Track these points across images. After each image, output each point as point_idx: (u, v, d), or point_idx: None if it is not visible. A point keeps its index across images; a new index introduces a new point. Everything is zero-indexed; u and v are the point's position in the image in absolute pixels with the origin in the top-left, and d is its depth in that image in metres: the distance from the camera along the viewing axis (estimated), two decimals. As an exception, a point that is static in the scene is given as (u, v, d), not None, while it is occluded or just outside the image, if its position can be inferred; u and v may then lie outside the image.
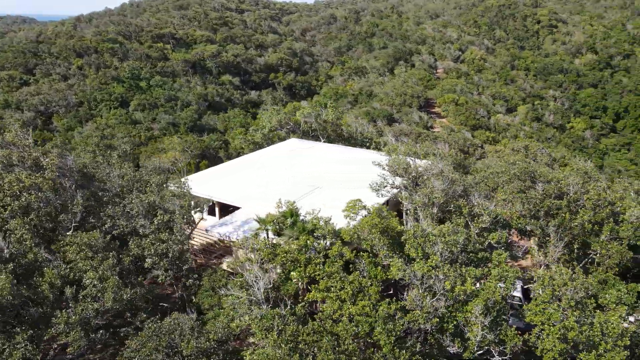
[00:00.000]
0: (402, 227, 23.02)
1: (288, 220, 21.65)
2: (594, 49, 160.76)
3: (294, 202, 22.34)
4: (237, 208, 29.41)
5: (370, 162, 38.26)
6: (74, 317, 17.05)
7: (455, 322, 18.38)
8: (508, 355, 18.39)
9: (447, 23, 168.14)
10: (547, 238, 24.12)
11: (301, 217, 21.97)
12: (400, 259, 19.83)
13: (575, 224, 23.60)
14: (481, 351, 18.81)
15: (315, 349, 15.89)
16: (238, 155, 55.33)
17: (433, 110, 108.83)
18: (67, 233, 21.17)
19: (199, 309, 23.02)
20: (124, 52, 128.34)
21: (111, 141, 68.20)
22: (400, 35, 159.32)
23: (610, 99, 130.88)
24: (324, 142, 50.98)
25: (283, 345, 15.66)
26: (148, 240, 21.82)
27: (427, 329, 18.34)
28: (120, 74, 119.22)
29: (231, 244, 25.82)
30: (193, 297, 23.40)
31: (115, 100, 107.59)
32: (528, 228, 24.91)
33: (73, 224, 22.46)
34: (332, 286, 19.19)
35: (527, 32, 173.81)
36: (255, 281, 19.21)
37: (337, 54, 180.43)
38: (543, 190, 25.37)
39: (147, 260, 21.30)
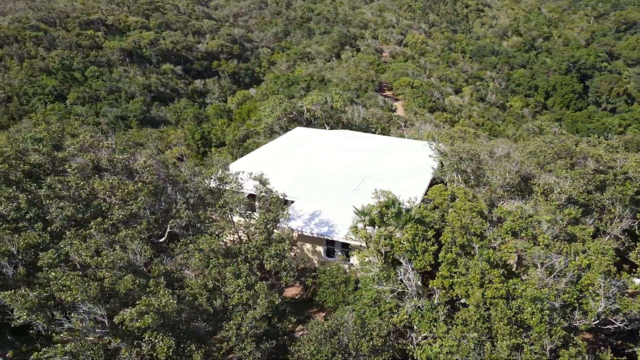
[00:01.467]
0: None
1: (391, 210, 20.84)
2: (518, 32, 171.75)
3: (390, 191, 21.53)
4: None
5: (400, 148, 37.98)
6: (243, 328, 15.19)
7: (576, 296, 18.91)
8: (626, 322, 19.27)
9: (383, 7, 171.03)
10: (608, 211, 25.51)
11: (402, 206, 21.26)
12: (513, 241, 19.94)
13: (629, 194, 25.23)
14: (597, 321, 19.53)
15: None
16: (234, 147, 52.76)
17: (385, 93, 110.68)
18: (181, 240, 18.70)
19: (321, 307, 21.88)
20: (49, 40, 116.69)
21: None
22: (342, 20, 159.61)
23: (538, 79, 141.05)
24: (328, 129, 49.96)
25: (469, 335, 15.15)
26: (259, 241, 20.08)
27: (555, 306, 18.67)
28: (49, 65, 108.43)
29: (325, 237, 24.28)
30: (314, 296, 21.92)
31: (49, 93, 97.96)
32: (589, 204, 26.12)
33: (180, 230, 20.07)
34: (455, 272, 18.87)
35: (457, 16, 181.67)
36: (403, 273, 18.32)
37: (276, 39, 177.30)
38: (594, 166, 26.77)
39: (265, 262, 19.45)
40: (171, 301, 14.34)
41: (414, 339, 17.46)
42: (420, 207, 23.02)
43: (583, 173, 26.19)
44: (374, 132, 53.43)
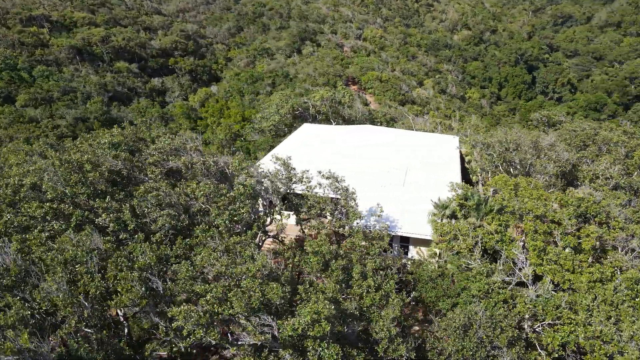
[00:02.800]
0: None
1: (470, 201, 20.68)
2: (467, 26, 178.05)
3: (464, 184, 21.38)
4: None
5: (421, 140, 38.02)
6: (385, 328, 14.37)
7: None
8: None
9: (338, 2, 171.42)
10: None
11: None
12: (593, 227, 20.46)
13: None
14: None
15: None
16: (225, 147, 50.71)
17: (353, 88, 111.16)
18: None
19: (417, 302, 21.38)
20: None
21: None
22: (297, 15, 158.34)
23: (490, 70, 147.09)
24: (334, 125, 49.01)
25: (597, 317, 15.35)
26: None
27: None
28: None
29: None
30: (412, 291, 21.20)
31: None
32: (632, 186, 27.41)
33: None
34: (544, 259, 19.10)
35: (408, 10, 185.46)
36: (516, 262, 18.16)
37: (230, 35, 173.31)
38: (625, 150, 28.12)
39: (368, 262, 18.70)
40: (328, 306, 13.39)
41: (529, 327, 17.49)
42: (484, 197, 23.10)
43: (617, 158, 27.46)
44: (380, 126, 53.38)
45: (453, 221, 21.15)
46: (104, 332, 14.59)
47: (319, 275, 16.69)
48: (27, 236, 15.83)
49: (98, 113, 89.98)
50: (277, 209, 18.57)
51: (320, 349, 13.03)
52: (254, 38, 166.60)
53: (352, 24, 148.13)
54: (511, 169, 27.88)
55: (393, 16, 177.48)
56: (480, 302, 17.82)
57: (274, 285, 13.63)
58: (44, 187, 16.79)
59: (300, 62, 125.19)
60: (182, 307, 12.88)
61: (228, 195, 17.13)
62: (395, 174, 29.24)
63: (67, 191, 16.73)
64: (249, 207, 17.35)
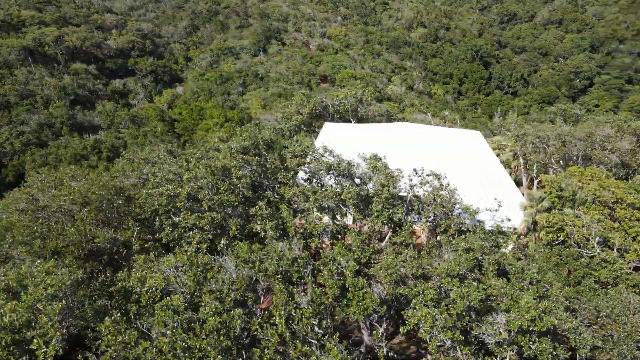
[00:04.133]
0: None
1: (566, 193, 21.09)
2: (423, 24, 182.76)
3: (557, 177, 21.85)
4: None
5: (454, 136, 38.33)
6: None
7: None
8: None
9: (297, 0, 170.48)
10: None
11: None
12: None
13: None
14: None
15: None
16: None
17: (323, 85, 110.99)
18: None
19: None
20: None
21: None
22: (258, 13, 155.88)
23: (450, 67, 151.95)
24: (354, 122, 48.36)
25: None
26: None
27: None
28: None
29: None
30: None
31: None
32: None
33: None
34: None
35: (365, 8, 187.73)
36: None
37: (186, 34, 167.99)
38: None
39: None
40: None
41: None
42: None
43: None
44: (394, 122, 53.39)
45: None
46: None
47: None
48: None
49: (64, 118, 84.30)
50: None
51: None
52: (212, 37, 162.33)
53: (316, 22, 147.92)
54: (561, 162, 28.97)
55: (351, 14, 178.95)
56: (606, 289, 18.28)
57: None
58: (200, 196, 15.33)
59: (268, 61, 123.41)
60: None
61: (383, 196, 16.49)
62: (467, 171, 29.33)
63: (215, 199, 15.43)
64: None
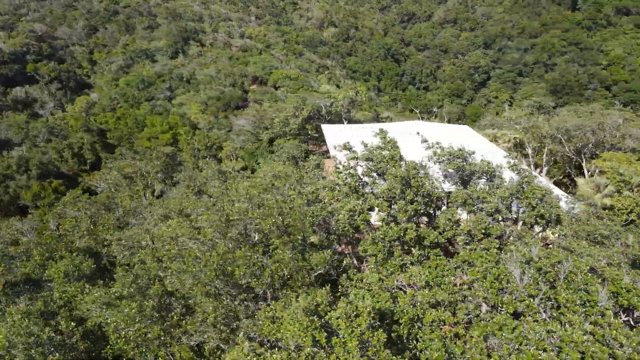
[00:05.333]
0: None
1: (626, 178, 22.91)
2: (333, 23, 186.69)
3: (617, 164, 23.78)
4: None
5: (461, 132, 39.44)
6: None
7: None
8: None
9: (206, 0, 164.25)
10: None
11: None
12: None
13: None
14: None
15: None
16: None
17: (252, 87, 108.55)
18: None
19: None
20: None
21: None
22: (169, 13, 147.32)
23: (367, 65, 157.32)
24: (346, 124, 47.16)
25: None
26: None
27: None
28: None
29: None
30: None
31: None
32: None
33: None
34: None
35: (276, 8, 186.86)
36: None
37: (86, 36, 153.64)
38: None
39: None
40: None
41: None
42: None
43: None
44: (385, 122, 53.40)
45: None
46: None
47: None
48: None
49: (-30, 134, 72.72)
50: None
51: None
52: (116, 39, 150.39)
53: (233, 22, 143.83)
54: (570, 150, 31.69)
55: (263, 14, 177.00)
56: None
57: None
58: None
59: (190, 63, 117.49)
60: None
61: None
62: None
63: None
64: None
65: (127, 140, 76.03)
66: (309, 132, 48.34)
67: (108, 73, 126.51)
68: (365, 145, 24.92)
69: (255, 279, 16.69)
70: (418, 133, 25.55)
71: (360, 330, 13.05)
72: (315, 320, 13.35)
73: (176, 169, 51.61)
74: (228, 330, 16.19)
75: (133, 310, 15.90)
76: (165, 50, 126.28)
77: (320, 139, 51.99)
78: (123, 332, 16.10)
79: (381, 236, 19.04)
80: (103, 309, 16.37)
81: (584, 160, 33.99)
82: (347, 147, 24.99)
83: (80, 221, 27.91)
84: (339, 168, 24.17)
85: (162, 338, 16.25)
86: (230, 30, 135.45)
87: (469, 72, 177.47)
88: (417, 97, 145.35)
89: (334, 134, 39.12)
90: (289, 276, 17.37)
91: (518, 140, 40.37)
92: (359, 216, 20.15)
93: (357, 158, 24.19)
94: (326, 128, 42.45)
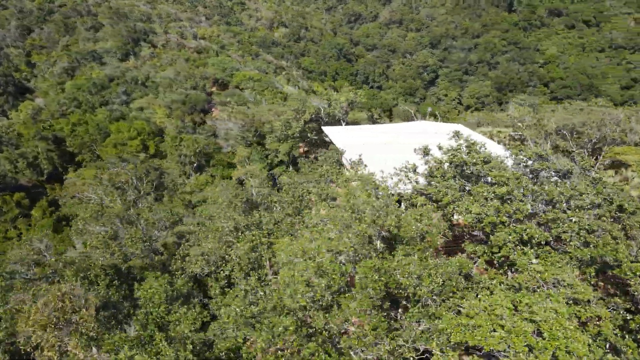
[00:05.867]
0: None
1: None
2: (284, 24, 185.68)
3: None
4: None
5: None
6: None
7: None
8: None
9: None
10: None
11: None
12: None
13: None
14: None
15: None
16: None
17: (213, 89, 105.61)
18: None
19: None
20: None
21: None
22: (113, 12, 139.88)
23: (322, 65, 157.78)
24: (344, 125, 46.14)
25: None
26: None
27: None
28: None
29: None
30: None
31: None
32: None
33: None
34: None
35: (223, 8, 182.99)
36: None
37: (20, 37, 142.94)
38: None
39: None
40: None
41: None
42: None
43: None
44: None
45: None
46: None
47: None
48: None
49: None
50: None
51: None
52: (55, 40, 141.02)
53: (183, 22, 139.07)
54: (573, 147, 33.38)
55: (212, 14, 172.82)
56: None
57: None
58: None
59: (143, 65, 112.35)
60: None
61: None
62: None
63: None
64: None
65: (89, 148, 71.37)
66: (308, 135, 47.38)
67: (50, 76, 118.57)
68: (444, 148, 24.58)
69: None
70: (457, 132, 25.56)
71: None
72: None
73: (159, 177, 49.01)
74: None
75: (290, 329, 15.09)
76: (115, 52, 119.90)
77: (321, 142, 51.23)
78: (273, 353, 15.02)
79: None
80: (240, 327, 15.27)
81: (586, 155, 36.43)
82: (426, 151, 24.69)
83: (107, 237, 25.68)
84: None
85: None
86: (183, 31, 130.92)
87: (418, 71, 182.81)
88: (374, 97, 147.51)
89: (341, 136, 38.65)
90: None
91: (518, 137, 42.25)
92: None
93: (442, 162, 23.82)
94: (330, 130, 41.84)
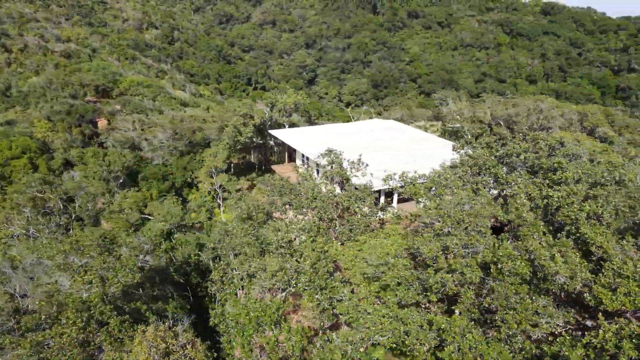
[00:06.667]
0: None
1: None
2: (154, 25, 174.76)
3: None
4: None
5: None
6: None
7: None
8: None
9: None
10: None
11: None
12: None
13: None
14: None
15: None
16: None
17: (91, 99, 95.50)
18: None
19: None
20: None
21: None
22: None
23: (205, 68, 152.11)
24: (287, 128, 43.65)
25: None
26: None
27: None
28: None
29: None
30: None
31: None
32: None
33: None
34: None
35: (83, 8, 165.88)
36: None
37: None
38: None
39: None
40: None
41: None
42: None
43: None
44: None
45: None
46: None
47: None
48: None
49: None
50: None
51: None
52: None
53: (42, 23, 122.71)
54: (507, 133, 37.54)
55: (70, 14, 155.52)
56: None
57: None
58: None
59: (0, 73, 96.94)
60: None
61: None
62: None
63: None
64: None
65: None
66: (254, 140, 44.99)
67: None
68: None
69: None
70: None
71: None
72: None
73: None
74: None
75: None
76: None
77: (266, 146, 49.13)
78: None
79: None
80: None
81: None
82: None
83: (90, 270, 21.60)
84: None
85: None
86: (43, 33, 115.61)
87: (298, 70, 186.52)
88: (262, 98, 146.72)
89: (298, 139, 37.87)
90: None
91: (454, 129, 46.13)
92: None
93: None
94: (281, 133, 40.62)
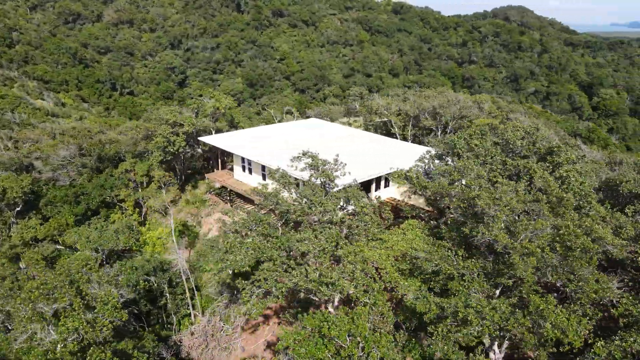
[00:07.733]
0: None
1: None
2: None
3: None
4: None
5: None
6: None
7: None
8: None
9: None
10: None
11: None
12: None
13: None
14: None
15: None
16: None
17: None
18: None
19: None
20: None
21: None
22: None
23: (60, 73, 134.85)
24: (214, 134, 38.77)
25: None
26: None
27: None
28: None
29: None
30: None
31: None
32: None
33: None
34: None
35: None
36: None
37: None
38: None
39: None
40: None
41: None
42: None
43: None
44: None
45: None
46: None
47: None
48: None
49: None
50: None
51: None
52: None
53: None
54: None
55: None
56: None
57: None
58: None
59: None
60: None
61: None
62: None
63: None
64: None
65: None
66: (182, 148, 40.15)
67: None
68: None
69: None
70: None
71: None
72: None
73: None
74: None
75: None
76: None
77: (193, 155, 44.13)
78: None
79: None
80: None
81: (439, 130, 44.93)
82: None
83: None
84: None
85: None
86: None
87: (167, 73, 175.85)
88: (133, 104, 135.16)
89: (236, 144, 35.22)
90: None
91: (383, 123, 47.37)
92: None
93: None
94: (216, 139, 37.28)
